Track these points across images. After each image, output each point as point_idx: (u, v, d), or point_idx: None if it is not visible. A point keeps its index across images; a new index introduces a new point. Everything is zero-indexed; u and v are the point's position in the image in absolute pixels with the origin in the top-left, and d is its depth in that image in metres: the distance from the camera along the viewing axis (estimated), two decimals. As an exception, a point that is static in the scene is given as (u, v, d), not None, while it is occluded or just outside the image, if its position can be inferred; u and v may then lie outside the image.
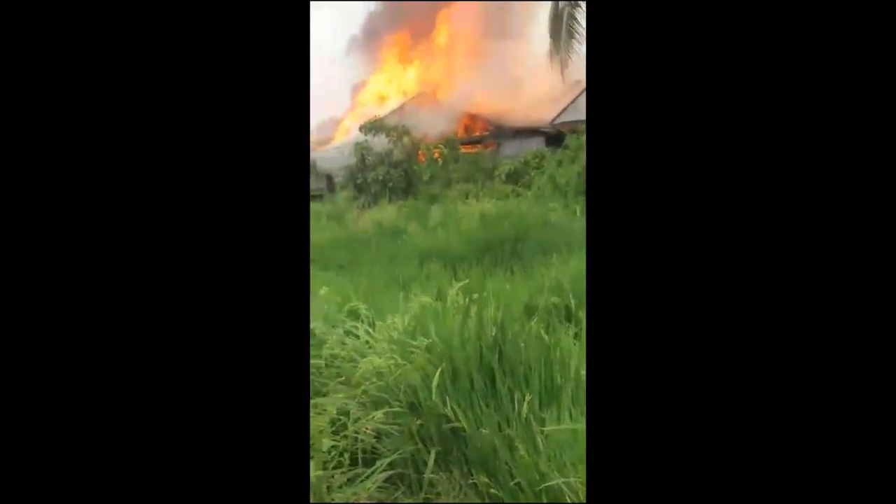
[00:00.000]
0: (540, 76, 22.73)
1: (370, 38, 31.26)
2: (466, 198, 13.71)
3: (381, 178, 15.58)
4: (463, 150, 17.31)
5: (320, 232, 10.90)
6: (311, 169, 26.73)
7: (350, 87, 32.20)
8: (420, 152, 16.57)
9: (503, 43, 25.03)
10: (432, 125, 19.01)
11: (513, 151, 21.35)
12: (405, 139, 16.27)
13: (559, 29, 12.53)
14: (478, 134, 20.74)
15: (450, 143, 16.19)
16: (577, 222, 9.17)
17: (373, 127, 16.44)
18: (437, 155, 15.51)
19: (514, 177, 15.50)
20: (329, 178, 25.65)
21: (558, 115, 22.37)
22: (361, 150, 16.18)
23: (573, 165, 13.84)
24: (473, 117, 20.92)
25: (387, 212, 11.61)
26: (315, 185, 26.27)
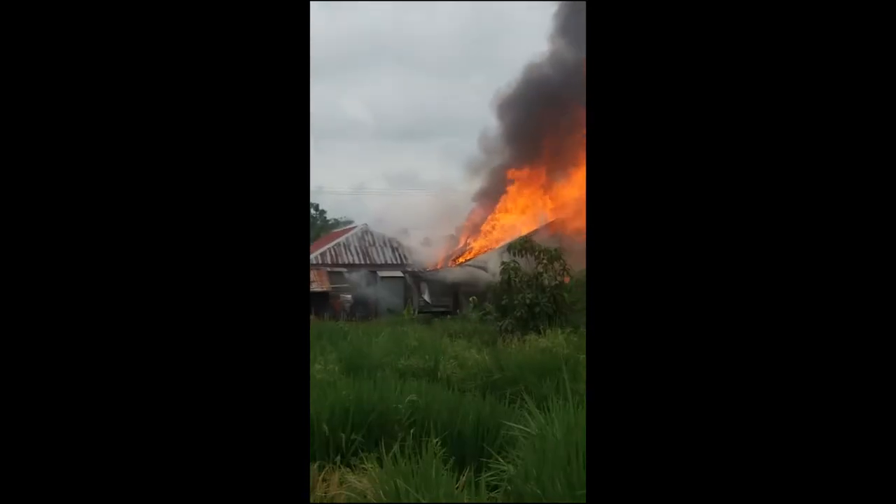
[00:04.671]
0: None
1: (500, 158, 31.12)
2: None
3: (528, 301, 14.64)
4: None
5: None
6: (436, 285, 26.42)
7: (476, 205, 32.05)
8: (567, 278, 15.60)
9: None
10: (574, 254, 18.14)
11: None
12: (556, 263, 15.42)
13: None
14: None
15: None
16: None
17: (522, 247, 15.72)
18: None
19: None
20: (456, 295, 25.13)
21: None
22: (510, 270, 15.39)
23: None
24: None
25: (552, 339, 10.56)
26: (439, 300, 25.77)
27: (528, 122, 29.21)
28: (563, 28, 28.82)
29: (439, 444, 4.84)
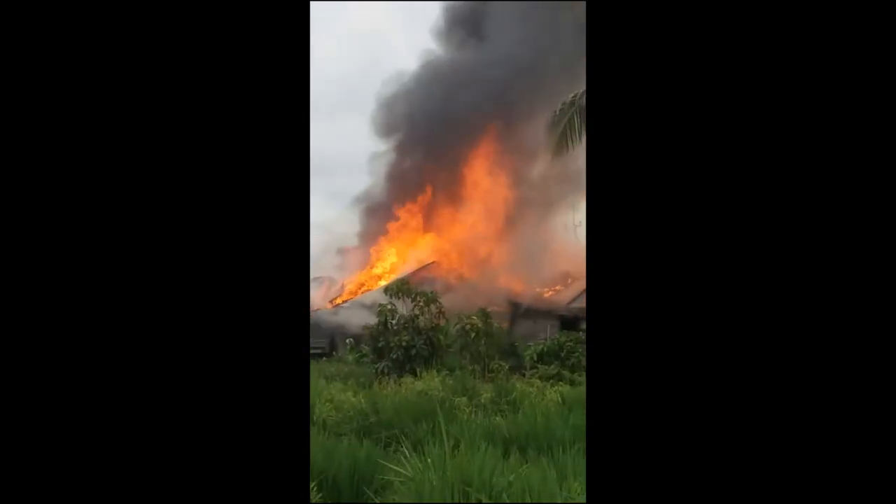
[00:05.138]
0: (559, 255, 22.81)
1: (381, 199, 31.28)
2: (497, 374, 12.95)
3: (404, 343, 14.75)
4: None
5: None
6: (313, 326, 25.96)
7: (355, 245, 31.96)
8: (442, 321, 15.86)
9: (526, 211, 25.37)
10: (450, 296, 18.51)
11: (525, 331, 20.81)
12: (432, 306, 15.66)
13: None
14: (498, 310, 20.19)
15: (483, 315, 15.61)
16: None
17: (399, 290, 15.87)
18: (471, 326, 14.82)
19: (546, 359, 14.81)
20: (332, 337, 24.77)
21: (575, 298, 22.11)
22: (386, 312, 15.48)
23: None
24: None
25: (428, 381, 10.70)
26: (315, 342, 25.30)
27: (411, 159, 29.63)
28: (442, 58, 29.66)
29: (315, 489, 4.80)
